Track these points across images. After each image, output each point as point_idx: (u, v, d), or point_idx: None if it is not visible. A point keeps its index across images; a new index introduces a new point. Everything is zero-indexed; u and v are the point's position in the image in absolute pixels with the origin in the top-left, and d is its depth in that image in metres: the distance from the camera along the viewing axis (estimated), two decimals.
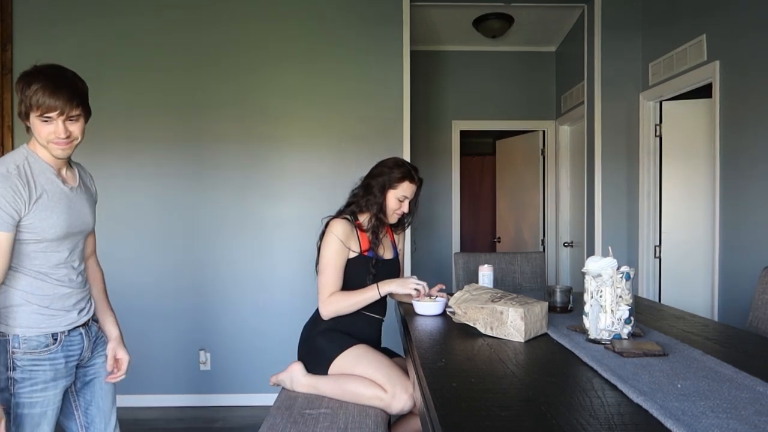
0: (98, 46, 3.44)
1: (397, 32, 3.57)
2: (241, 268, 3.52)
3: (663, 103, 3.52)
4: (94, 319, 1.77)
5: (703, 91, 3.19)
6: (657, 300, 3.55)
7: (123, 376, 1.78)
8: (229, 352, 3.51)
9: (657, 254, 3.57)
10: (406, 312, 2.14)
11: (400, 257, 2.35)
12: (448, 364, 1.46)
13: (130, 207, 3.45)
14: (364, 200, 2.19)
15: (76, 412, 1.71)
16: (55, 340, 1.56)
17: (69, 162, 1.66)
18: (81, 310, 1.65)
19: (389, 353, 2.25)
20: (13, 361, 1.50)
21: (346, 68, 3.56)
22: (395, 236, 2.36)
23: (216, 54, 3.51)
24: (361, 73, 3.57)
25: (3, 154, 3.41)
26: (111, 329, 1.83)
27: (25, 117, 1.50)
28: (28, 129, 1.54)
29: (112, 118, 3.41)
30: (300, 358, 2.17)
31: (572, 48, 4.39)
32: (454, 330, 1.83)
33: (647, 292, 3.59)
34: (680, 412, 1.05)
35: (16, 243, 1.49)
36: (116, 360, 1.80)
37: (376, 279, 2.13)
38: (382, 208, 2.17)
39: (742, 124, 2.74)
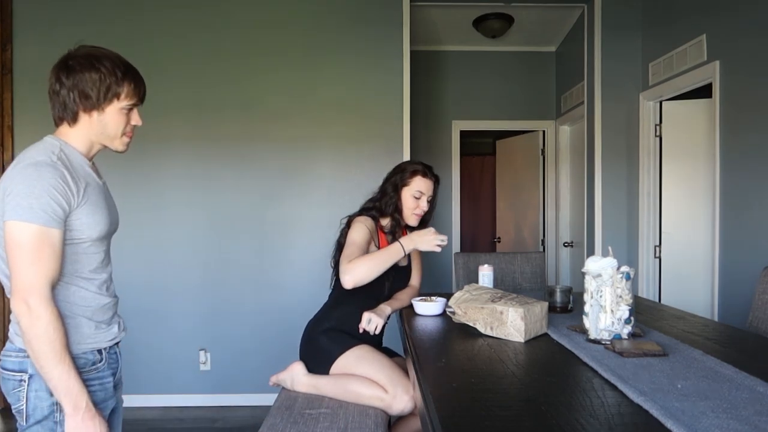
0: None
1: (397, 32, 3.57)
2: (240, 269, 3.52)
3: (663, 103, 3.52)
4: None
5: (703, 91, 3.19)
6: (657, 300, 3.55)
7: None
8: (229, 352, 3.51)
9: (657, 254, 3.57)
10: (406, 312, 2.14)
11: (416, 262, 2.36)
12: (448, 364, 1.45)
13: (128, 206, 3.43)
14: (382, 203, 2.24)
15: None
16: (101, 356, 1.38)
17: None
18: (118, 325, 1.46)
19: (389, 353, 2.25)
20: None
21: (346, 68, 3.56)
22: None
23: (216, 55, 3.51)
24: (361, 72, 3.56)
25: (3, 154, 3.43)
26: None
27: (97, 106, 1.32)
28: (75, 119, 1.32)
29: None
30: (302, 358, 2.18)
31: (572, 48, 4.39)
32: (454, 330, 1.82)
33: (647, 292, 3.59)
34: (680, 412, 1.05)
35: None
36: None
37: (392, 284, 2.18)
38: (398, 208, 2.23)
39: (742, 124, 2.74)
